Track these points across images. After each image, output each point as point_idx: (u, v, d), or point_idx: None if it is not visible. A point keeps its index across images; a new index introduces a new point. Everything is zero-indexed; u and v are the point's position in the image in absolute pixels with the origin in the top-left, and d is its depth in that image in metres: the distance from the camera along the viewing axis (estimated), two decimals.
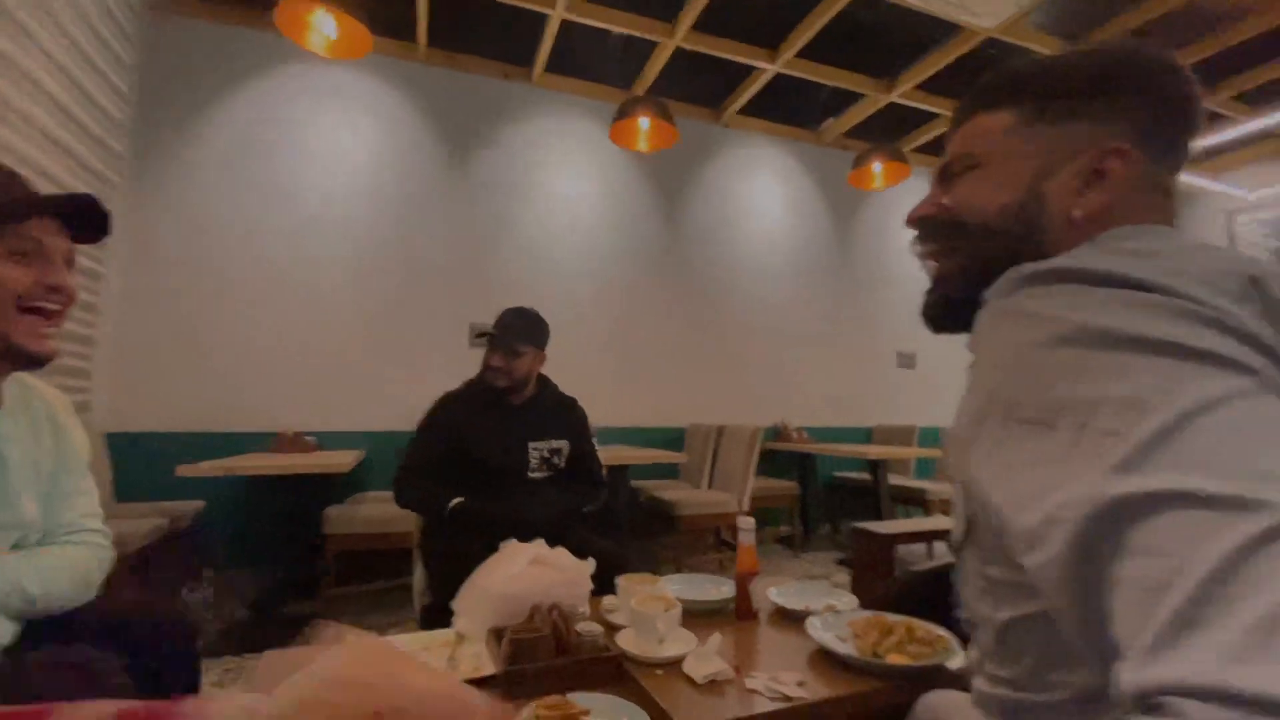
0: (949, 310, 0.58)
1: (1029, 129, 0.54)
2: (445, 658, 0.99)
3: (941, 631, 0.98)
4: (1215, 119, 4.22)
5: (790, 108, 4.39)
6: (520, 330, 1.71)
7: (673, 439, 4.02)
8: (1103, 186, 0.50)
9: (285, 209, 3.33)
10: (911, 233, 0.62)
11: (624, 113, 3.01)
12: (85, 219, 0.84)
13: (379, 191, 3.52)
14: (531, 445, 1.72)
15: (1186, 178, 4.64)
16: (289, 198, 3.34)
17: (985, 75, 0.59)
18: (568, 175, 3.98)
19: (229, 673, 1.97)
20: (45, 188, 2.30)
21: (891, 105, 4.13)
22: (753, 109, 4.34)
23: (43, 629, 0.84)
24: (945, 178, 0.59)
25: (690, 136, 4.15)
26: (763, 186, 4.58)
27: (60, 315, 0.82)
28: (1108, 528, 0.29)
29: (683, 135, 3.31)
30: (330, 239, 3.40)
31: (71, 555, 0.89)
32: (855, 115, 4.34)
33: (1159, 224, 0.50)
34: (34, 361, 0.80)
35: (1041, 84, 0.54)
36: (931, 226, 0.60)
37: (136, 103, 3.09)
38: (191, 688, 0.93)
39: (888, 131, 4.53)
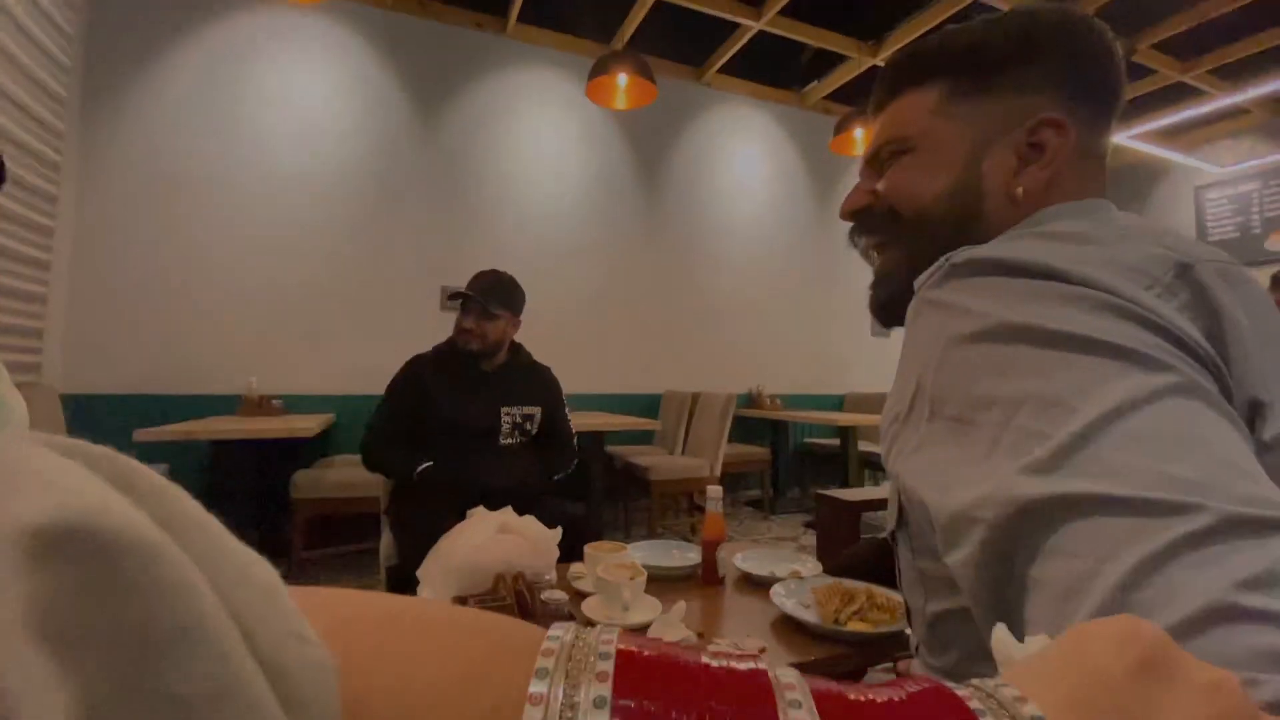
0: (896, 305, 0.52)
1: (957, 105, 0.50)
2: None
3: (902, 598, 1.00)
4: (1191, 93, 4.24)
5: (773, 69, 4.28)
6: (495, 293, 1.68)
7: (648, 405, 4.04)
8: (1041, 160, 0.48)
9: (248, 162, 3.17)
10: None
11: (601, 68, 2.90)
12: None
13: (346, 146, 3.37)
14: (504, 411, 1.70)
15: (1157, 151, 4.68)
16: (252, 150, 3.18)
17: (900, 51, 0.55)
18: (543, 133, 3.86)
19: None
20: None
21: (875, 69, 4.06)
22: (735, 68, 4.23)
23: None
24: (875, 164, 0.56)
25: (670, 95, 4.04)
26: (743, 149, 4.51)
27: None
28: (1022, 529, 0.28)
29: (662, 93, 3.21)
30: (296, 195, 3.26)
31: None
32: (839, 78, 4.27)
33: (1094, 196, 0.49)
34: None
35: (964, 55, 0.51)
36: (866, 218, 0.56)
37: (84, 47, 2.88)
38: None
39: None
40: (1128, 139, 4.52)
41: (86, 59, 2.90)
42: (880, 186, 0.54)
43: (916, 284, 0.43)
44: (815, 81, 4.43)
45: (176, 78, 3.06)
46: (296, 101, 3.28)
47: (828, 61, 4.16)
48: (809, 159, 4.71)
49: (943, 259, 0.41)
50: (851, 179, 4.48)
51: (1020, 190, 0.48)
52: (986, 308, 0.35)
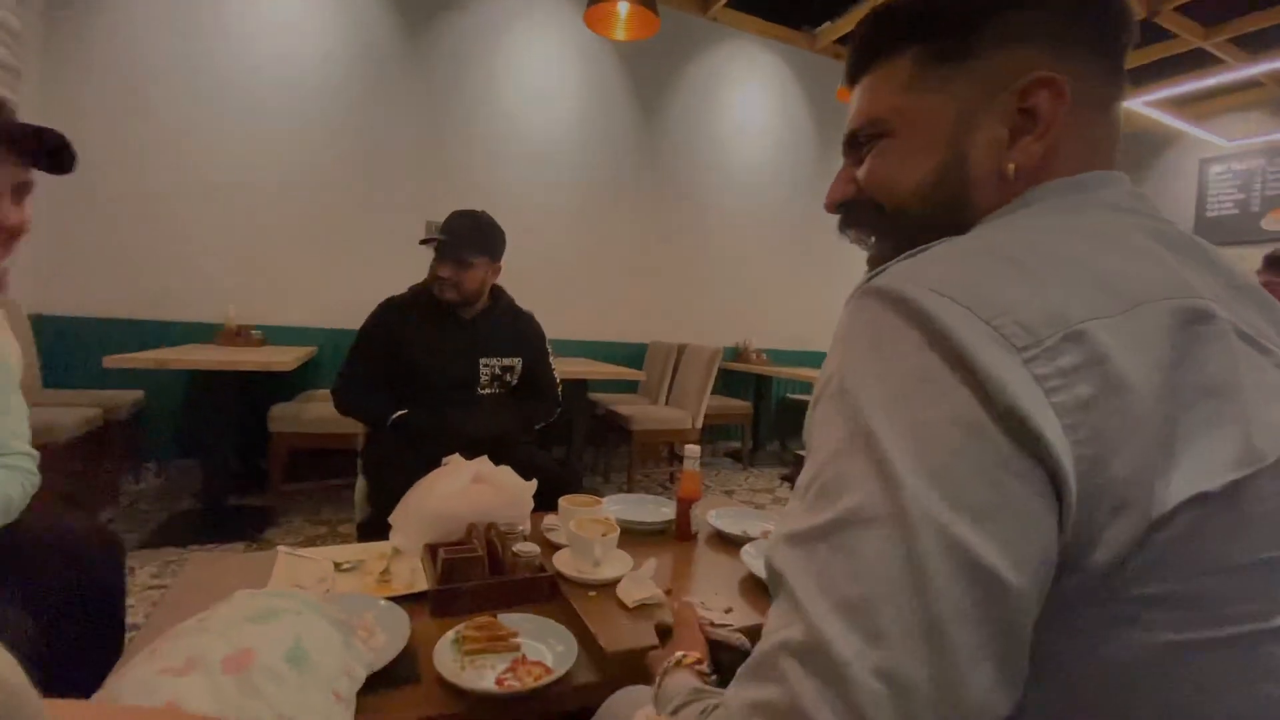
0: None
1: (933, 73, 0.44)
2: (379, 572, 0.99)
3: None
4: (1208, 61, 4.11)
5: (785, 5, 4.06)
6: (472, 238, 1.59)
7: (634, 354, 4.02)
8: (1037, 130, 0.41)
9: (228, 80, 2.98)
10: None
11: None
12: (47, 151, 0.74)
13: (329, 66, 3.17)
14: (483, 362, 1.66)
15: (1166, 119, 4.56)
16: (232, 67, 2.98)
17: (870, 12, 0.48)
18: (535, 60, 3.66)
19: (169, 564, 1.97)
20: None
21: None
22: (744, 3, 4.00)
23: None
24: (853, 149, 0.50)
25: (673, 28, 3.83)
26: (746, 92, 4.32)
27: (5, 249, 0.74)
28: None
29: (665, 25, 3.03)
30: (278, 118, 3.08)
31: None
32: (855, 19, 4.05)
33: (1101, 166, 0.42)
34: None
35: (934, 14, 0.44)
36: (851, 211, 0.51)
37: None
38: (115, 604, 0.91)
39: None
40: (1140, 104, 4.40)
41: None
42: (860, 176, 0.49)
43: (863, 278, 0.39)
44: (829, 22, 4.21)
45: None
46: (277, 17, 3.06)
47: (843, 0, 3.94)
48: (815, 106, 4.54)
49: (867, 275, 0.38)
50: None
51: (1013, 167, 0.42)
52: (844, 361, 0.36)
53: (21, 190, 0.76)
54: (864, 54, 0.48)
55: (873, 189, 0.48)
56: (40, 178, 0.77)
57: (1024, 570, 0.28)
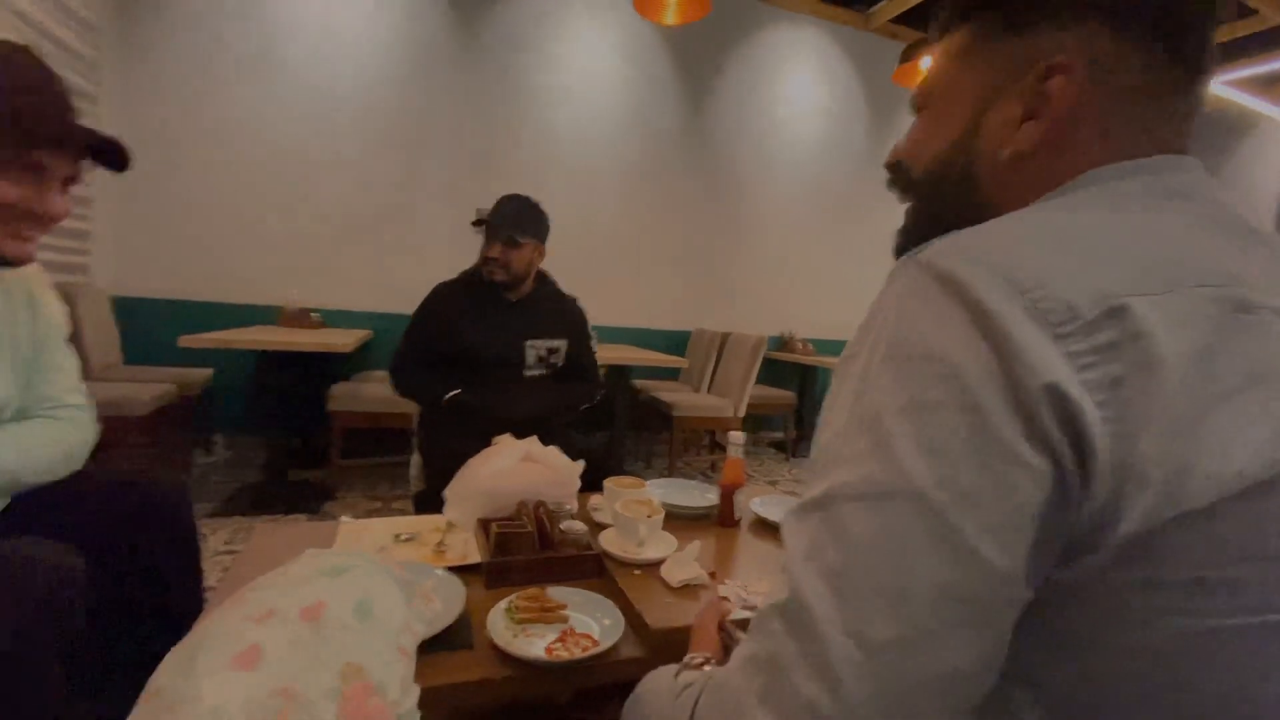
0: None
1: (980, 50, 0.44)
2: (434, 543, 1.03)
3: None
4: None
5: None
6: (520, 220, 1.62)
7: (677, 341, 4.02)
8: (1043, 115, 0.41)
9: (291, 73, 3.10)
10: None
11: None
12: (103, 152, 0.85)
13: (386, 60, 3.26)
14: (528, 344, 1.69)
15: (1248, 100, 4.23)
16: (294, 60, 3.10)
17: None
18: (584, 47, 3.66)
19: (239, 532, 2.10)
20: (29, 38, 2.14)
21: None
22: None
23: (28, 500, 0.86)
24: (914, 112, 0.52)
25: (724, 9, 3.77)
26: (798, 74, 4.21)
27: (43, 230, 0.84)
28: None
29: (716, 8, 2.98)
30: (338, 110, 3.20)
31: (51, 430, 0.89)
32: None
33: (1156, 151, 0.40)
34: (7, 264, 0.83)
35: None
36: (893, 171, 0.53)
37: None
38: (190, 553, 0.97)
39: None
40: (1220, 85, 4.09)
41: None
42: (900, 140, 0.51)
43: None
44: (883, 0, 4.06)
45: None
46: (337, 16, 3.16)
47: None
48: (869, 88, 4.39)
49: (919, 246, 0.38)
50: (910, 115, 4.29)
51: (1006, 152, 0.42)
52: (866, 331, 0.37)
53: (68, 182, 0.84)
54: (938, 23, 0.49)
55: (905, 154, 0.50)
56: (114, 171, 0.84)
57: (1010, 553, 0.29)
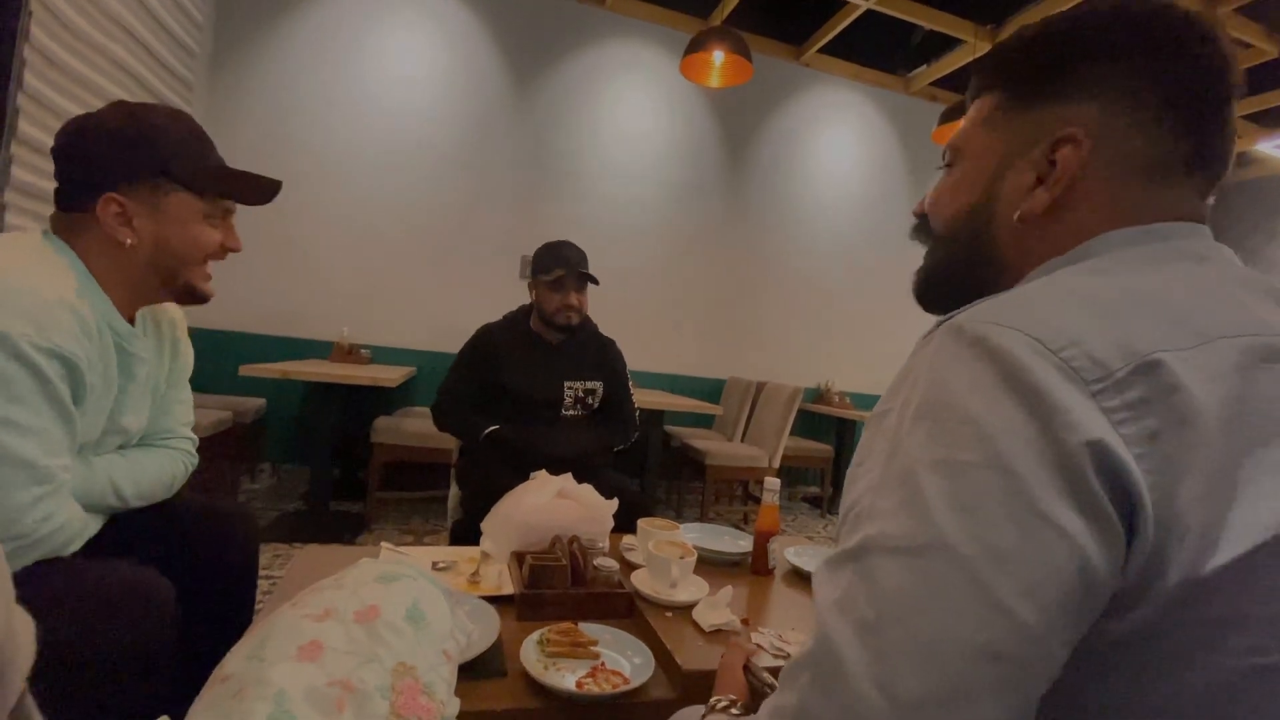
0: (925, 301, 0.55)
1: (1004, 116, 0.48)
2: (469, 573, 1.05)
3: None
4: None
5: (878, 50, 4.06)
6: (585, 263, 1.71)
7: (711, 389, 4.02)
8: (1051, 182, 0.43)
9: (354, 122, 3.36)
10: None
11: (698, 45, 2.85)
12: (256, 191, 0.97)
13: (444, 111, 3.50)
14: (567, 385, 1.74)
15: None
16: (358, 111, 3.36)
17: (980, 56, 0.53)
18: (632, 107, 3.85)
19: (278, 558, 2.15)
20: (126, 85, 2.39)
21: None
22: (837, 48, 4.05)
23: (122, 521, 0.90)
24: (944, 169, 0.56)
25: (765, 74, 3.93)
26: (837, 134, 4.33)
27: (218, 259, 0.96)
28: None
29: (758, 72, 3.12)
30: (396, 156, 3.43)
31: (162, 459, 0.95)
32: (950, 63, 4.00)
33: (1164, 218, 0.41)
34: (202, 301, 0.94)
35: (1020, 60, 0.47)
36: (919, 222, 0.57)
37: (214, 7, 3.12)
38: (250, 572, 1.01)
39: None
40: (1273, 148, 4.01)
41: (216, 18, 3.14)
42: (926, 196, 0.55)
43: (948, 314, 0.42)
44: (924, 66, 4.17)
45: (295, 41, 3.27)
46: (402, 67, 3.43)
47: (940, 44, 3.90)
48: (908, 147, 4.47)
49: (945, 316, 0.40)
50: None
51: (1018, 215, 0.45)
52: (898, 390, 0.38)
53: (229, 213, 0.94)
54: (971, 87, 0.53)
55: (928, 209, 0.53)
56: None
57: (1044, 611, 0.29)
